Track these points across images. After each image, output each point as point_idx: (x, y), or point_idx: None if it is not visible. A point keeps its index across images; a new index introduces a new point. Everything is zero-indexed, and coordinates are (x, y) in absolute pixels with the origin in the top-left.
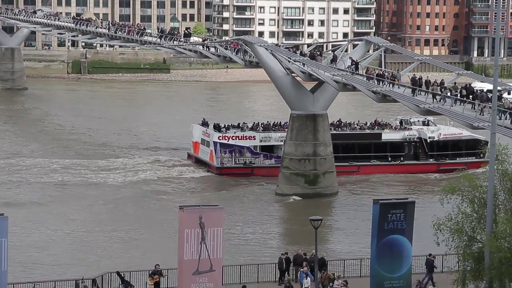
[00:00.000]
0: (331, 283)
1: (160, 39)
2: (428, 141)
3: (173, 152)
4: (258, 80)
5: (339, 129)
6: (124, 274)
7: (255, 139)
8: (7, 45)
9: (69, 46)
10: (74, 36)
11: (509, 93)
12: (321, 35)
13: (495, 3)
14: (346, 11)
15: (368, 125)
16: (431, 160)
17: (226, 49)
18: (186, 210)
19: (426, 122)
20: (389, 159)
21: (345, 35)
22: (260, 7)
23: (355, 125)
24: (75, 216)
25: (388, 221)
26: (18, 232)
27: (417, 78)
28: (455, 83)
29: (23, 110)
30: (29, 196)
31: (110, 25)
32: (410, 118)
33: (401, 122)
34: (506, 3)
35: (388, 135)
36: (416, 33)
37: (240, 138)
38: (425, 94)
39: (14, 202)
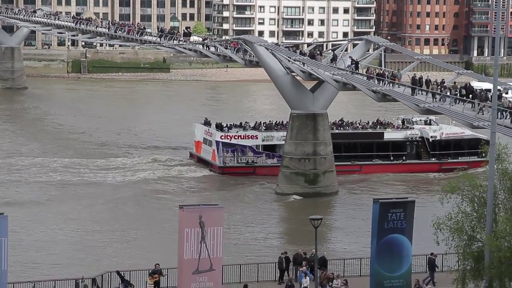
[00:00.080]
0: (330, 283)
1: (160, 39)
2: (430, 141)
3: (174, 151)
4: (258, 80)
5: (341, 128)
6: (124, 274)
7: (257, 138)
8: (7, 44)
9: (69, 45)
10: (74, 35)
11: (506, 93)
12: (321, 34)
13: (495, 2)
14: (346, 11)
15: (370, 124)
16: (433, 159)
17: (226, 48)
18: (186, 209)
19: (428, 121)
20: (391, 158)
21: (345, 34)
22: (260, 7)
23: (357, 125)
24: (75, 215)
25: (388, 221)
26: (18, 231)
27: (417, 78)
28: (454, 82)
29: (23, 109)
30: (29, 195)
31: (110, 24)
32: (412, 118)
33: (403, 122)
34: (506, 3)
35: (390, 135)
36: (416, 33)
37: (242, 137)
38: (425, 94)
39: (14, 201)
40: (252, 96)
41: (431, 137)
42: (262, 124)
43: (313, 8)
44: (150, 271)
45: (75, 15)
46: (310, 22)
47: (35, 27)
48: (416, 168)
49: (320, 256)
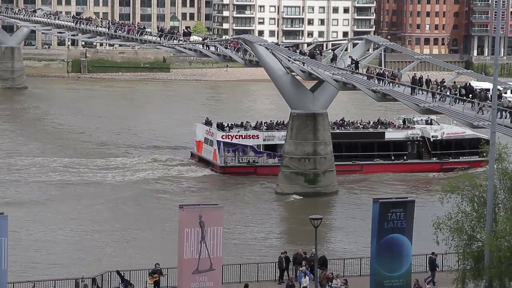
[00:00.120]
0: (329, 283)
1: (160, 38)
2: (431, 140)
3: (174, 151)
4: (258, 79)
5: (343, 128)
6: (124, 273)
7: (258, 138)
8: (7, 44)
9: (69, 45)
10: (74, 35)
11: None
12: (321, 34)
13: (495, 2)
14: (346, 10)
15: (371, 124)
16: (434, 159)
17: (226, 48)
18: (186, 209)
19: (429, 121)
20: (392, 158)
21: (345, 34)
22: (260, 6)
23: (358, 124)
24: (75, 215)
25: (388, 220)
26: (18, 231)
27: (417, 78)
28: (454, 82)
29: (23, 109)
30: (29, 195)
31: (110, 24)
32: (413, 117)
33: (404, 121)
34: (506, 2)
35: (391, 134)
36: (416, 32)
37: (243, 137)
38: (426, 94)
39: (14, 201)
40: (252, 95)
41: (432, 137)
42: (263, 124)
43: (313, 8)
44: (150, 270)
45: (75, 14)
46: (310, 22)
47: (35, 26)
48: (417, 168)
49: (320, 255)
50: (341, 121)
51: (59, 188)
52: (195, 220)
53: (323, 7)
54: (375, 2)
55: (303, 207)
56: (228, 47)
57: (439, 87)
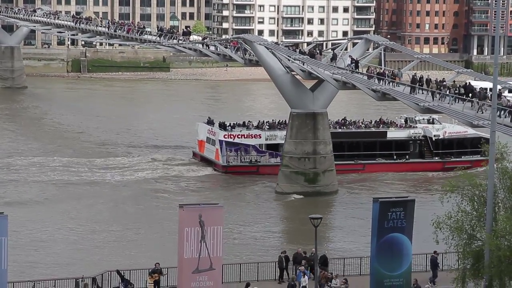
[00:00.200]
0: (329, 283)
1: (160, 38)
2: (433, 139)
3: (174, 150)
4: (258, 79)
5: (344, 127)
6: (124, 273)
7: (260, 137)
8: (7, 43)
9: (68, 44)
10: (73, 34)
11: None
12: (320, 33)
13: (495, 1)
14: (345, 10)
15: (373, 123)
16: (436, 158)
17: (226, 47)
18: (186, 208)
19: (431, 120)
20: (394, 157)
21: (345, 33)
22: (260, 6)
23: (360, 123)
24: (75, 214)
25: (388, 220)
26: (18, 230)
27: (417, 78)
28: (454, 81)
29: (23, 108)
30: (29, 195)
31: (110, 23)
32: (415, 117)
33: (406, 121)
34: (505, 2)
35: (393, 134)
36: (416, 32)
37: (245, 136)
38: (426, 93)
39: (14, 201)
40: (252, 95)
41: (434, 136)
42: (265, 123)
43: (312, 7)
44: (150, 270)
45: (74, 14)
46: (310, 21)
47: (34, 26)
48: (419, 167)
49: (321, 254)
50: (343, 121)
51: (58, 187)
52: (195, 219)
53: (323, 7)
54: (374, 1)
55: (303, 206)
56: (228, 46)
57: (439, 87)
